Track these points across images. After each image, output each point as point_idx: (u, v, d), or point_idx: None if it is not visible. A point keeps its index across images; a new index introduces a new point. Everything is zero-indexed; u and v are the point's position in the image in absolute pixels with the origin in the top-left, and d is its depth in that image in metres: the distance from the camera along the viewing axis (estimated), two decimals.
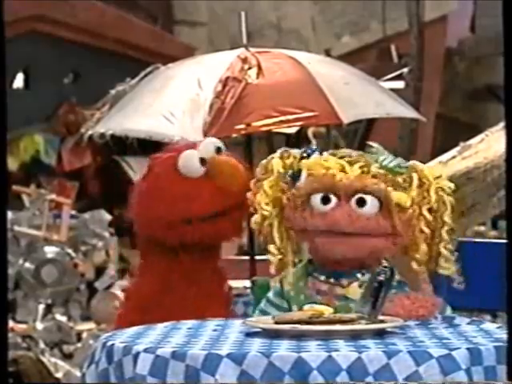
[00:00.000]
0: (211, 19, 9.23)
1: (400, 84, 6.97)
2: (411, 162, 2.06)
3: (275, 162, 2.06)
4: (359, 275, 2.00)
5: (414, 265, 1.99)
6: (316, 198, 1.98)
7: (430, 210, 2.00)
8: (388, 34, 8.69)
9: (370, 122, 7.62)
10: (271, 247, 2.07)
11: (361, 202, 1.96)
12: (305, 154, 2.05)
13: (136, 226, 2.43)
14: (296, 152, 2.08)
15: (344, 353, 1.57)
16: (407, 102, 4.77)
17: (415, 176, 2.00)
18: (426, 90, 7.24)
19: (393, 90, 5.04)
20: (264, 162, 2.09)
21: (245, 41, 4.30)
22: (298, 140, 6.11)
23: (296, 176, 2.04)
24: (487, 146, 4.33)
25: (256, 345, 1.68)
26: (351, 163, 1.99)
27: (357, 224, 1.95)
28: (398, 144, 6.73)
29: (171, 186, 2.33)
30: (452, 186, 2.04)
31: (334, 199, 1.97)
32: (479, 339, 1.70)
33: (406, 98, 5.09)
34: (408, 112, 4.55)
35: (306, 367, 1.55)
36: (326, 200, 1.98)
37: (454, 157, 4.39)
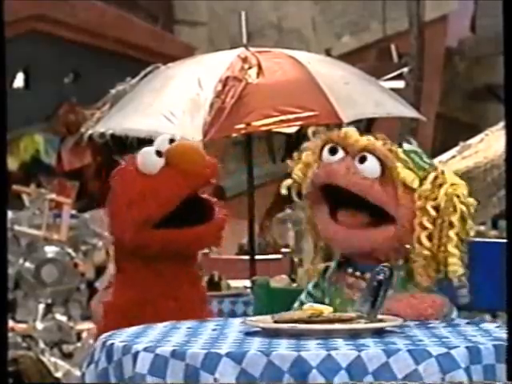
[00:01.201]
0: (211, 19, 9.23)
1: (400, 84, 6.97)
2: (437, 163, 2.08)
3: (322, 137, 2.09)
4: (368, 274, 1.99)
5: (418, 259, 1.98)
6: (325, 150, 2.03)
7: (436, 209, 1.99)
8: (388, 34, 8.69)
9: (370, 122, 7.62)
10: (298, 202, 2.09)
11: (362, 160, 1.98)
12: None
13: (111, 233, 2.42)
14: None
15: (343, 351, 1.58)
16: (407, 102, 4.77)
17: (433, 173, 2.01)
18: (426, 90, 7.24)
19: (393, 89, 5.04)
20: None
21: (245, 40, 4.30)
22: (297, 139, 6.11)
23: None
24: (487, 145, 4.34)
25: (255, 344, 1.68)
26: (378, 139, 2.03)
27: (351, 179, 1.96)
28: (399, 144, 6.73)
29: (132, 186, 2.30)
30: (473, 202, 2.02)
31: (341, 152, 2.00)
32: (478, 338, 1.70)
33: (406, 98, 5.09)
34: (408, 112, 4.56)
35: (305, 366, 1.55)
36: (333, 151, 2.01)
37: (453, 156, 4.40)
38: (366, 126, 7.83)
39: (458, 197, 2.00)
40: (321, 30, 9.07)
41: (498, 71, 8.78)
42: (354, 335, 1.70)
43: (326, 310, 1.77)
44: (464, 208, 2.00)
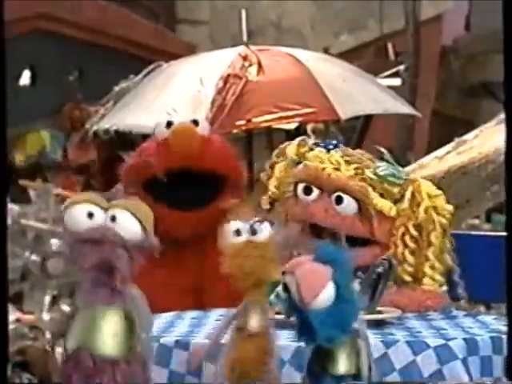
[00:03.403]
0: (213, 17, 9.22)
1: (396, 81, 6.96)
2: (412, 177, 2.05)
3: (290, 147, 2.08)
4: (360, 273, 1.98)
5: (405, 276, 1.97)
6: (300, 188, 2.00)
7: (417, 226, 1.97)
8: (385, 33, 8.68)
9: (368, 118, 7.62)
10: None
11: (338, 200, 1.96)
12: (314, 146, 2.06)
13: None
14: (312, 142, 2.10)
15: None
16: (403, 99, 4.77)
17: (409, 189, 1.98)
18: (421, 87, 7.23)
19: (389, 86, 5.03)
20: (282, 146, 2.10)
21: (245, 39, 4.30)
22: (297, 136, 6.10)
23: (298, 164, 2.06)
24: (481, 141, 4.34)
25: None
26: (349, 163, 1.99)
27: (331, 220, 1.95)
28: (396, 140, 6.73)
29: (143, 146, 2.39)
30: (450, 208, 2.00)
31: (316, 191, 1.98)
32: (475, 330, 1.71)
33: (402, 95, 5.08)
34: (404, 108, 4.56)
35: (305, 356, 1.55)
36: (308, 191, 1.98)
37: (448, 152, 4.40)
38: (364, 122, 7.83)
39: (435, 208, 1.97)
40: (319, 28, 9.06)
41: (492, 69, 8.77)
42: None
43: None
44: (443, 220, 1.98)
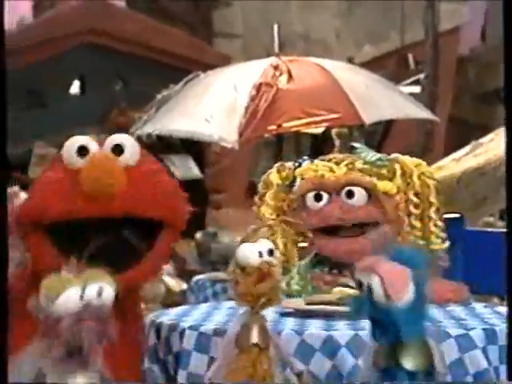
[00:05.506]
0: (246, 31, 9.24)
1: (416, 88, 6.92)
2: (392, 155, 2.06)
3: (272, 176, 2.09)
4: None
5: (418, 240, 1.99)
6: (309, 198, 1.97)
7: (416, 194, 2.00)
8: (406, 44, 8.63)
9: (389, 123, 7.57)
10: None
11: (350, 194, 1.94)
12: (297, 164, 2.08)
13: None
14: (289, 164, 2.11)
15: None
16: (423, 105, 4.73)
17: (397, 166, 2.00)
18: (440, 94, 7.17)
19: (410, 93, 5.00)
20: (263, 177, 2.12)
21: (276, 50, 4.29)
22: (323, 139, 6.09)
23: (292, 184, 2.07)
24: (497, 144, 4.29)
25: (289, 324, 1.67)
26: (338, 163, 1.99)
27: (348, 215, 1.93)
28: (417, 143, 6.69)
29: (52, 174, 1.61)
30: (432, 170, 2.05)
31: (325, 196, 1.96)
32: (494, 320, 1.68)
33: (421, 101, 5.04)
34: (424, 113, 4.52)
35: (335, 344, 1.54)
36: (318, 198, 1.96)
37: (466, 154, 4.35)
38: (385, 126, 7.79)
39: (424, 174, 2.01)
40: (344, 40, 9.03)
41: None
42: None
43: (354, 294, 1.75)
44: (434, 182, 2.01)
